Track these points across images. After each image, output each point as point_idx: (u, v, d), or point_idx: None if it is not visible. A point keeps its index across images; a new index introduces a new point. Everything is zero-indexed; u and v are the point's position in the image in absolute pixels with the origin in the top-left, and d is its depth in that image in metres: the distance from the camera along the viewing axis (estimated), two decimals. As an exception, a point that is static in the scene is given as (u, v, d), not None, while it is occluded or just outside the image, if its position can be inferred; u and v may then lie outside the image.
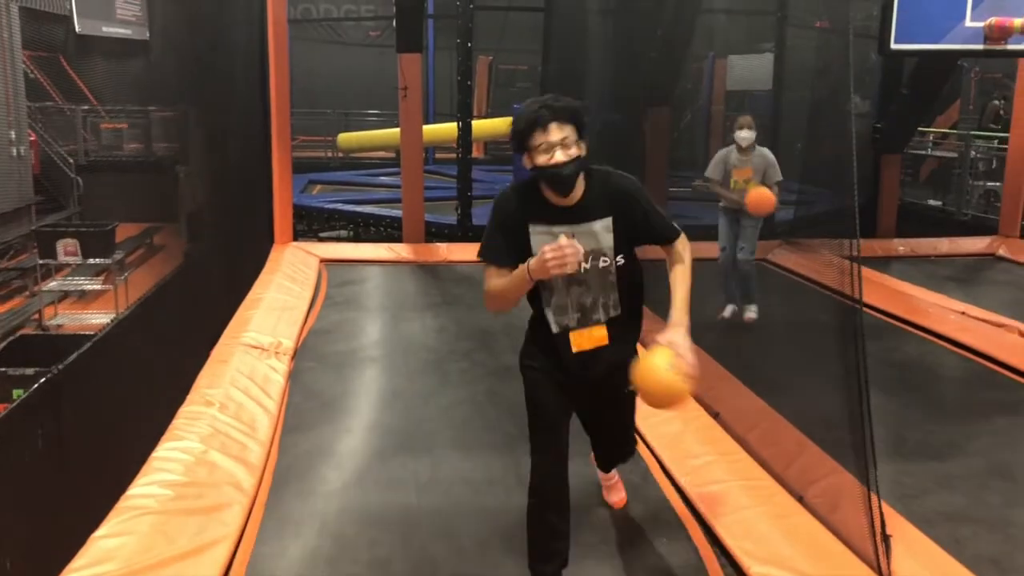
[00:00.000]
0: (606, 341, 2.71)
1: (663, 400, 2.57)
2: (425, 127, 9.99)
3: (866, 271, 7.14)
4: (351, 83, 17.55)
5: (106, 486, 3.41)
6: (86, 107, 12.60)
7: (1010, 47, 6.37)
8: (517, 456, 3.60)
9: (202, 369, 4.69)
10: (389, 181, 12.77)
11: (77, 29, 12.06)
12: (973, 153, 10.92)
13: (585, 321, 2.71)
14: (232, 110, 8.28)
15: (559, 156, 2.48)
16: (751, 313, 6.18)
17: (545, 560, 2.76)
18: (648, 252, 2.78)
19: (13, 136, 10.11)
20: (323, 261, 7.77)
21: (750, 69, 14.35)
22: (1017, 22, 6.17)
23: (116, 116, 12.91)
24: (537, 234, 2.61)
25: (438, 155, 15.16)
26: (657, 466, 3.77)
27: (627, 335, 2.80)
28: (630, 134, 8.39)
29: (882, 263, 8.19)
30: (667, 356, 2.48)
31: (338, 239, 10.50)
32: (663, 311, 2.63)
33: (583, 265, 2.61)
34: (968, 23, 6.33)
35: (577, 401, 2.85)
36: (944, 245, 9.12)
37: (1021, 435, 4.44)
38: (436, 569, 3.03)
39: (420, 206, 8.78)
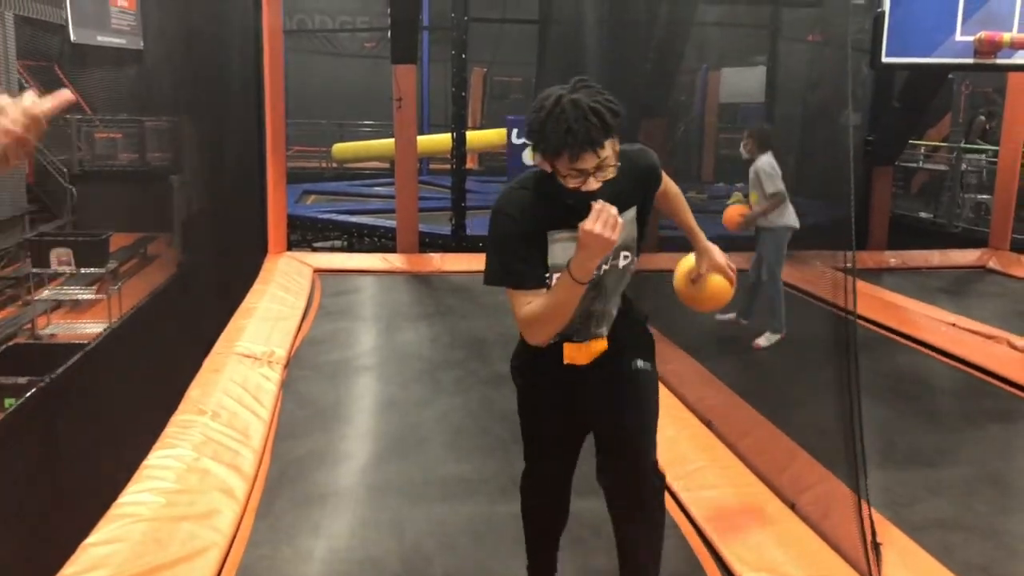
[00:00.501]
0: (599, 352, 2.33)
1: (708, 297, 2.67)
2: (419, 138, 10.01)
3: (858, 283, 7.18)
4: (346, 94, 17.58)
5: (98, 494, 3.40)
6: (80, 117, 12.61)
7: (999, 61, 6.43)
8: (511, 459, 3.61)
9: (195, 378, 4.70)
10: (383, 191, 12.79)
11: (72, 38, 12.06)
12: (964, 166, 10.99)
13: (586, 333, 2.31)
14: (227, 120, 8.30)
15: (593, 184, 2.03)
16: (761, 340, 5.87)
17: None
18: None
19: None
20: (317, 271, 7.78)
21: (743, 81, 14.44)
22: (1006, 36, 6.23)
23: (110, 126, 12.92)
24: (558, 242, 2.16)
25: (432, 166, 15.19)
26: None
27: (630, 326, 2.42)
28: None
29: (874, 275, 8.23)
30: (712, 258, 2.60)
31: (332, 249, 10.51)
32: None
33: (602, 265, 2.19)
34: (958, 37, 6.38)
35: (578, 404, 2.39)
36: (935, 257, 9.16)
37: (1011, 444, 4.47)
38: (429, 570, 3.04)
39: (414, 216, 8.80)
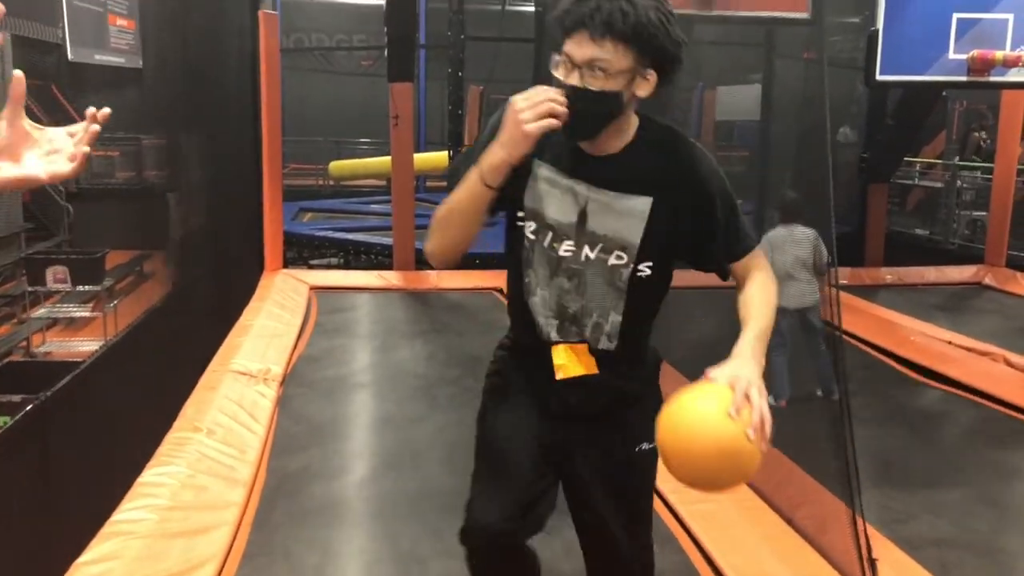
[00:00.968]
0: (594, 369, 1.84)
1: (712, 465, 1.55)
2: (416, 156, 10.04)
3: (853, 299, 7.20)
4: (343, 111, 17.65)
5: (93, 512, 3.39)
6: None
7: (992, 79, 6.48)
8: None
9: (190, 395, 4.69)
10: (380, 209, 12.81)
11: (70, 57, 12.09)
12: (959, 183, 11.05)
13: (564, 333, 1.85)
14: (224, 138, 8.33)
15: (575, 79, 1.65)
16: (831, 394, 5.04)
17: None
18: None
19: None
20: (313, 288, 7.77)
21: (739, 99, 14.51)
22: (999, 55, 6.28)
23: (108, 144, 12.93)
24: (540, 178, 1.78)
25: (429, 183, 15.23)
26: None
27: (630, 371, 1.92)
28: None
29: (869, 291, 8.24)
30: (724, 398, 1.55)
31: (328, 266, 10.50)
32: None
33: (585, 253, 1.77)
34: (952, 55, 6.43)
35: (557, 446, 1.93)
36: (931, 274, 9.18)
37: (1007, 463, 4.47)
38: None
39: (411, 234, 8.81)
